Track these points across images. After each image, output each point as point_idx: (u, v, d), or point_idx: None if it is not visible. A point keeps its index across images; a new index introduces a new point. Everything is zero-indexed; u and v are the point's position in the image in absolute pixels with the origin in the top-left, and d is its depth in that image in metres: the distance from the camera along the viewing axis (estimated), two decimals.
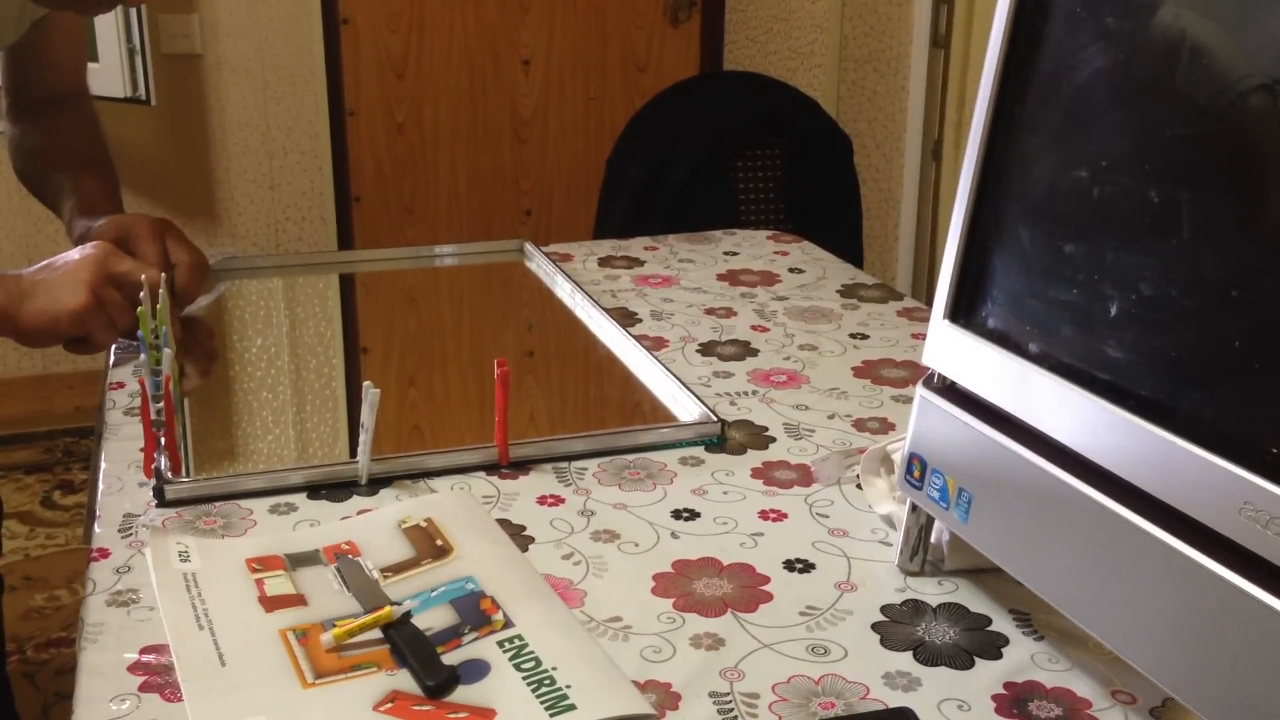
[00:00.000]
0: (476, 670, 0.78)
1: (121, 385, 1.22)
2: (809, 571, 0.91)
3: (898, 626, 0.84)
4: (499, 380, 1.03)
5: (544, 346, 1.46)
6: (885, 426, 1.14)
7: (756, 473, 1.05)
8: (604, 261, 1.62)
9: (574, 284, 1.47)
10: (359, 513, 0.98)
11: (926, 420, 0.86)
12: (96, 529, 0.96)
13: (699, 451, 1.09)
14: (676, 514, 0.98)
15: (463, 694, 0.76)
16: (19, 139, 1.47)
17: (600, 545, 0.94)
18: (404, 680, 0.77)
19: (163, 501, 0.98)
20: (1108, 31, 0.72)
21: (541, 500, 1.00)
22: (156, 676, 0.78)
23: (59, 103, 1.47)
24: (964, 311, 0.82)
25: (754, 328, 1.38)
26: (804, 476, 1.05)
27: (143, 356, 1.15)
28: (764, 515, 0.98)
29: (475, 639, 0.81)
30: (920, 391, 0.86)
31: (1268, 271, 0.62)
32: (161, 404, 1.03)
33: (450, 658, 0.79)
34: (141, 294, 1.15)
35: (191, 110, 3.25)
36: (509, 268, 1.64)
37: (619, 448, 1.08)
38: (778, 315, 1.42)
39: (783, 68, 3.55)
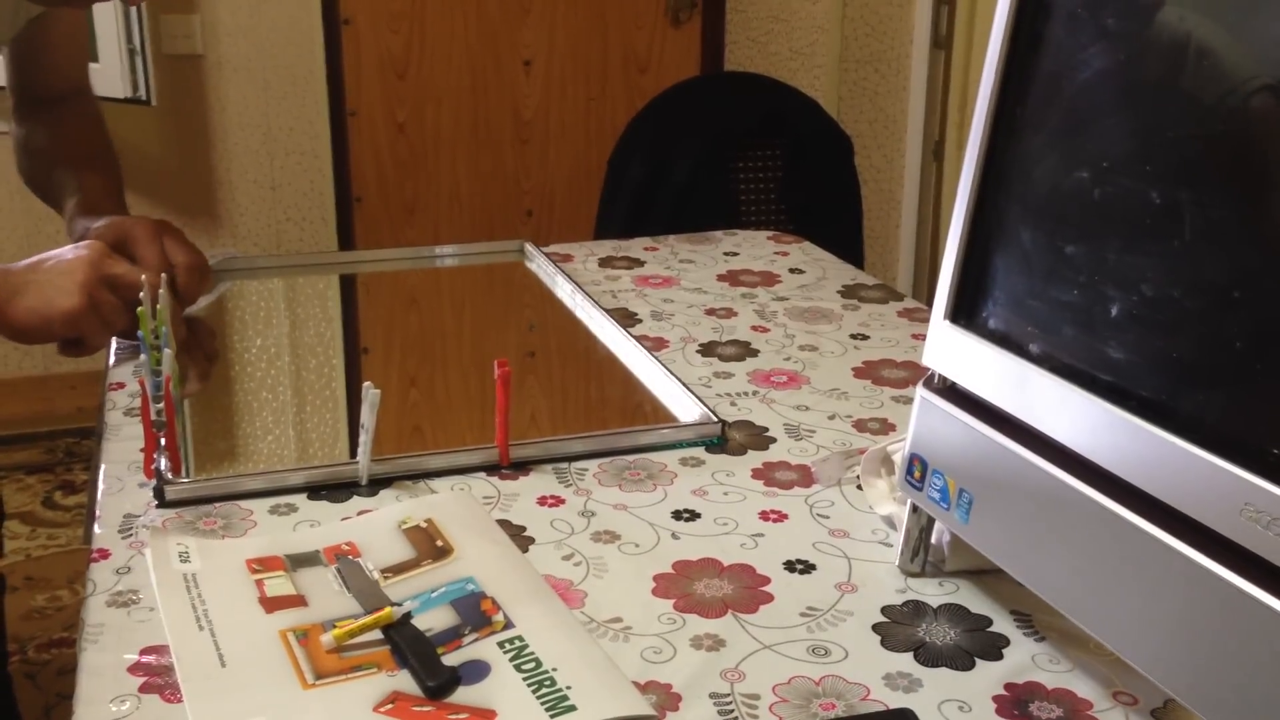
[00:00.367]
0: (477, 671, 0.78)
1: (122, 386, 1.22)
2: (809, 572, 0.91)
3: (898, 627, 0.84)
4: (499, 381, 1.03)
5: (545, 347, 1.46)
6: (886, 427, 1.14)
7: (757, 473, 1.05)
8: (604, 262, 1.62)
9: (574, 284, 1.47)
10: (359, 513, 0.98)
11: (927, 421, 0.86)
12: (97, 529, 0.96)
13: (699, 452, 1.09)
14: (677, 515, 0.98)
15: (463, 695, 0.76)
16: (23, 138, 1.46)
17: (601, 546, 0.94)
18: (404, 681, 0.77)
19: (163, 502, 0.98)
20: (1108, 32, 0.72)
21: (542, 501, 1.00)
22: (157, 677, 0.78)
23: (62, 101, 1.47)
24: (965, 312, 0.82)
25: (754, 328, 1.38)
26: (804, 477, 1.05)
27: (143, 357, 1.15)
28: (764, 516, 0.98)
29: (476, 640, 0.81)
30: (921, 392, 0.86)
31: (1269, 272, 0.62)
32: (162, 404, 1.03)
33: (451, 658, 0.79)
34: (141, 294, 1.15)
35: (192, 111, 3.25)
36: (510, 268, 1.64)
37: (619, 448, 1.08)
38: (778, 316, 1.42)
39: (783, 68, 3.55)
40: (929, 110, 3.52)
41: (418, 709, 0.75)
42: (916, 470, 0.87)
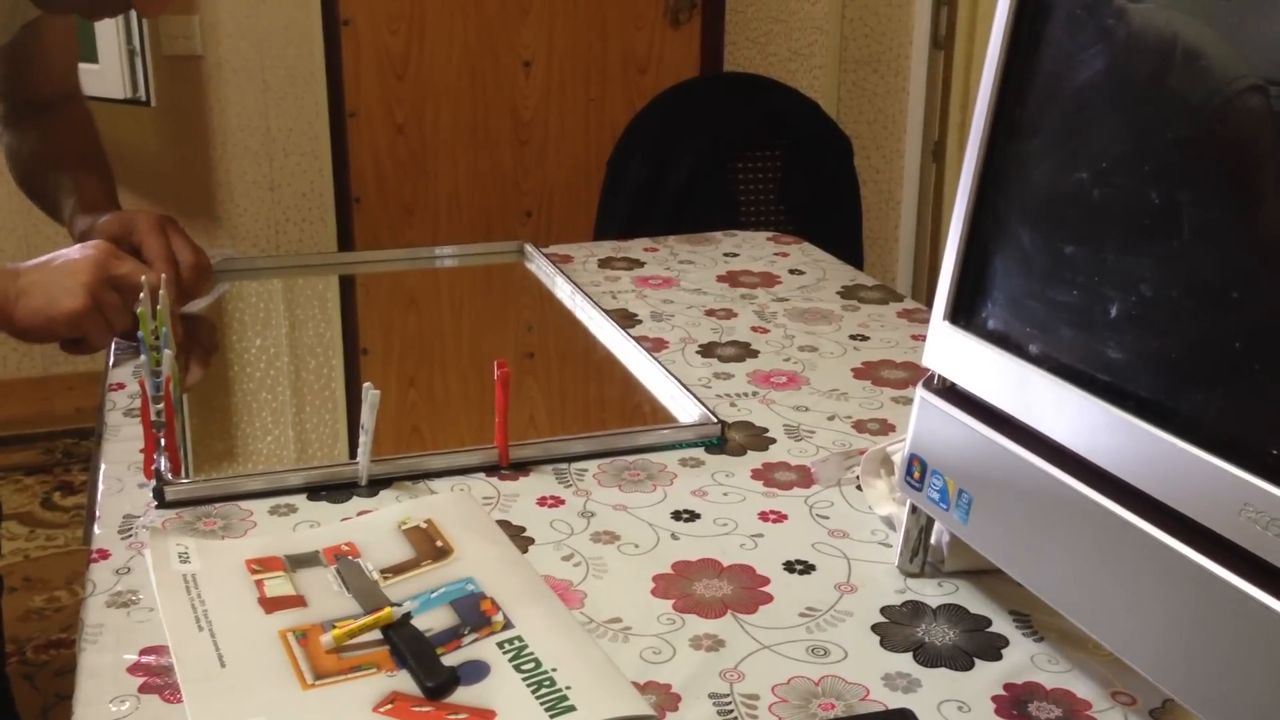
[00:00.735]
0: (476, 671, 0.78)
1: (121, 386, 1.22)
2: (809, 573, 0.91)
3: (898, 628, 0.84)
4: (499, 381, 1.03)
5: (544, 348, 1.46)
6: (885, 428, 1.14)
7: (756, 474, 1.05)
8: (604, 263, 1.62)
9: (574, 285, 1.47)
10: (359, 514, 0.98)
11: (926, 422, 0.86)
12: (96, 530, 0.96)
13: (699, 453, 1.09)
14: (676, 515, 0.98)
15: (462, 695, 0.76)
16: (15, 145, 1.47)
17: (600, 546, 0.94)
18: (404, 681, 0.77)
19: (162, 503, 0.98)
20: (1108, 33, 0.72)
21: (541, 501, 1.00)
22: (156, 678, 0.78)
23: (53, 106, 1.47)
24: (964, 313, 0.82)
25: (754, 329, 1.38)
26: (804, 478, 1.05)
27: (143, 358, 1.15)
28: (764, 516, 0.98)
29: (475, 640, 0.81)
30: (920, 393, 0.86)
31: (1268, 273, 0.62)
32: (161, 405, 1.03)
33: (450, 659, 0.79)
34: (141, 295, 1.15)
35: (192, 111, 3.25)
36: (509, 269, 1.64)
37: (619, 449, 1.08)
38: (778, 316, 1.42)
39: (783, 69, 3.55)
40: (928, 111, 3.52)
41: (417, 709, 0.75)
42: (916, 471, 0.87)
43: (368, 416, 0.99)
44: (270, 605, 0.85)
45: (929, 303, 0.88)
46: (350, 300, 1.61)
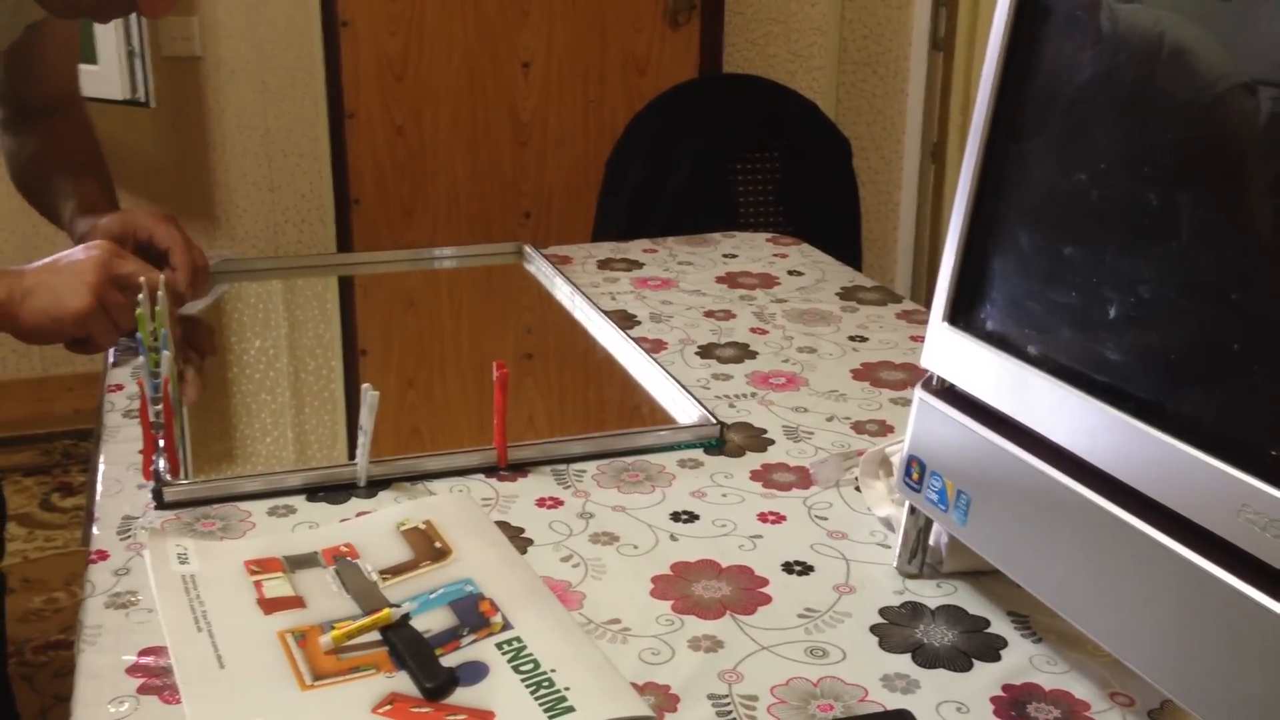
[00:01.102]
0: (475, 672, 0.78)
1: (120, 388, 1.22)
2: (808, 574, 0.91)
3: (896, 629, 0.84)
4: (498, 383, 1.04)
5: (543, 349, 1.46)
6: (884, 429, 1.14)
7: (755, 475, 1.05)
8: (603, 264, 1.62)
9: (573, 286, 1.47)
10: (358, 515, 0.98)
11: (925, 423, 0.86)
12: (95, 531, 0.96)
13: (698, 454, 1.09)
14: (675, 516, 0.98)
15: (461, 696, 0.76)
16: (15, 148, 1.47)
17: (599, 547, 0.94)
18: (402, 682, 0.77)
19: (161, 504, 0.98)
20: (1107, 35, 0.72)
21: (540, 502, 1.00)
22: (155, 679, 0.78)
23: (54, 111, 1.47)
24: (963, 314, 0.82)
25: (753, 330, 1.38)
26: (803, 479, 1.05)
27: (141, 359, 1.15)
28: (763, 517, 0.98)
29: (474, 641, 0.81)
30: (919, 394, 0.86)
31: (1266, 274, 0.62)
32: (160, 406, 1.03)
33: (449, 660, 0.79)
34: (140, 296, 1.15)
35: (191, 112, 3.25)
36: (508, 270, 1.64)
37: (618, 450, 1.08)
38: (777, 317, 1.43)
39: (782, 70, 3.55)
40: (927, 112, 3.52)
41: (416, 710, 0.75)
42: (915, 472, 0.87)
43: (366, 418, 0.99)
44: (269, 606, 0.85)
45: (928, 304, 0.88)
46: (349, 301, 1.61)
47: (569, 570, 0.91)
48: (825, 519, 0.98)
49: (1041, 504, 0.75)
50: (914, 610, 0.87)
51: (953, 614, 0.86)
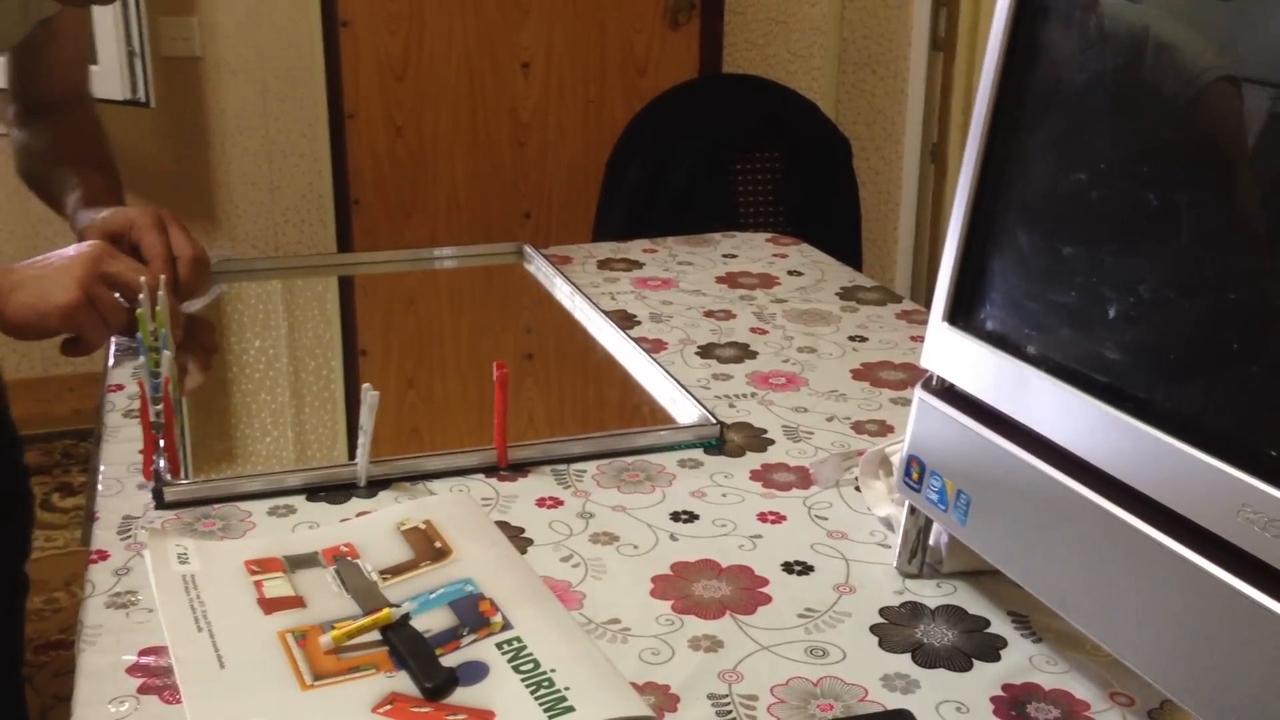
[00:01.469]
0: (475, 672, 0.78)
1: (120, 387, 1.22)
2: (807, 574, 0.91)
3: (896, 628, 0.84)
4: (498, 383, 1.04)
5: (543, 349, 1.46)
6: (884, 429, 1.14)
7: (755, 475, 1.05)
8: (603, 264, 1.62)
9: (573, 286, 1.47)
10: (358, 515, 0.98)
11: (925, 423, 0.86)
12: (95, 531, 0.96)
13: (698, 454, 1.09)
14: (675, 516, 0.98)
15: (461, 696, 0.76)
16: (25, 142, 1.47)
17: (599, 547, 0.94)
18: (403, 682, 0.77)
19: (161, 503, 0.98)
20: (1106, 35, 0.72)
21: (540, 502, 1.00)
22: (155, 679, 0.78)
23: (63, 107, 1.48)
24: (963, 314, 0.82)
25: (753, 330, 1.38)
26: (803, 479, 1.05)
27: (142, 359, 1.15)
28: (763, 517, 0.98)
29: (474, 641, 0.81)
30: (919, 394, 0.87)
31: (1266, 273, 0.62)
32: (160, 406, 1.03)
33: (449, 660, 0.79)
34: (141, 296, 1.15)
35: (191, 113, 3.25)
36: (508, 270, 1.64)
37: (618, 450, 1.08)
38: (777, 318, 1.43)
39: (782, 70, 3.55)
40: (927, 112, 3.53)
41: (416, 710, 0.75)
42: (914, 472, 0.87)
43: (366, 418, 0.99)
44: (269, 606, 0.85)
45: (927, 304, 0.88)
46: (349, 301, 1.61)
47: (569, 570, 0.91)
48: (825, 519, 0.98)
49: (1041, 504, 0.75)
50: (914, 610, 0.87)
51: (953, 614, 0.86)
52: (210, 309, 1.44)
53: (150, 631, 0.82)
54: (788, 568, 0.91)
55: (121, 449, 1.09)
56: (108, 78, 2.93)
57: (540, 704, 0.74)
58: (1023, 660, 0.81)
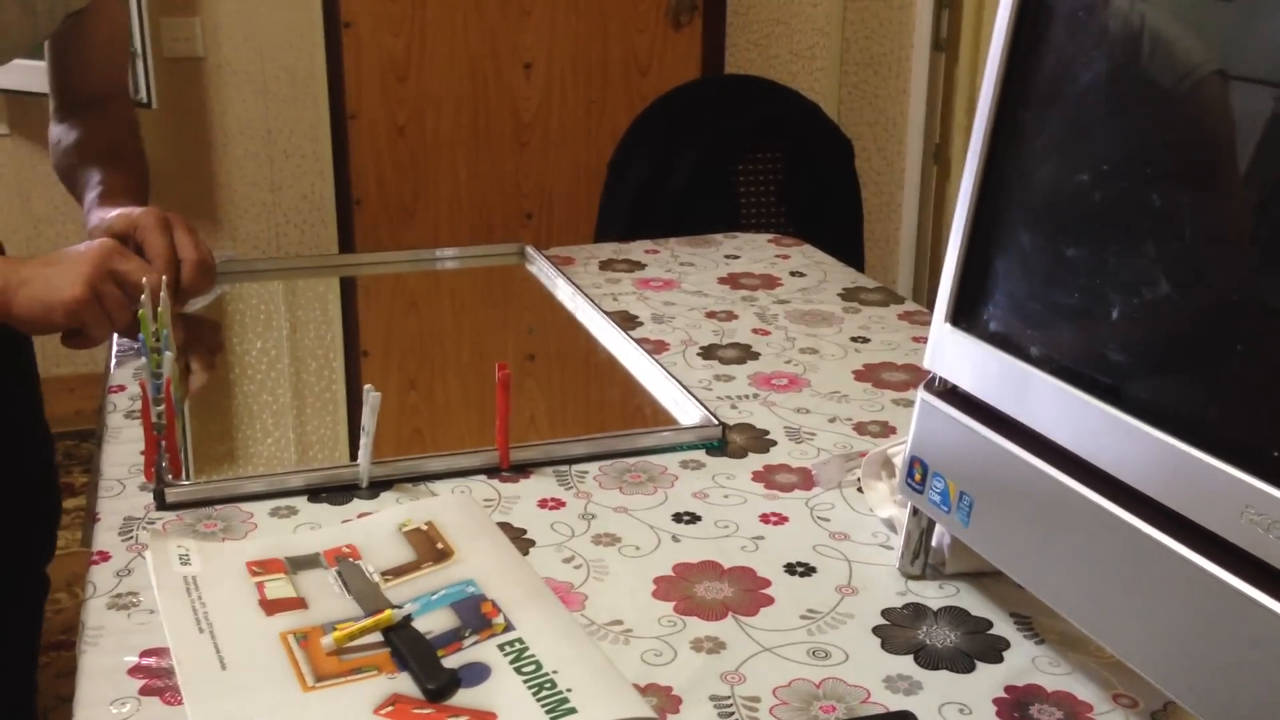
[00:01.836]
0: (477, 673, 0.78)
1: (122, 388, 1.22)
2: (810, 575, 0.91)
3: (899, 630, 0.84)
4: (500, 383, 1.03)
5: (545, 350, 1.46)
6: (886, 430, 1.14)
7: (757, 476, 1.05)
8: (605, 265, 1.62)
9: (575, 287, 1.47)
10: (359, 516, 0.98)
11: (928, 424, 0.86)
12: (97, 532, 0.96)
13: (700, 455, 1.09)
14: (677, 517, 0.98)
15: (463, 697, 0.76)
16: (59, 135, 1.48)
17: (601, 549, 0.94)
18: (404, 683, 0.77)
19: (163, 504, 0.98)
20: (1109, 36, 0.72)
21: (542, 503, 1.00)
22: (157, 680, 0.78)
23: (99, 103, 1.48)
24: (965, 315, 0.82)
25: (755, 331, 1.38)
26: (805, 480, 1.05)
27: (143, 359, 1.15)
28: (765, 519, 0.98)
29: (476, 642, 0.81)
30: (921, 395, 0.86)
31: (1269, 275, 0.62)
32: (162, 407, 1.03)
33: (451, 661, 0.79)
34: (143, 296, 1.15)
35: (193, 113, 3.25)
36: (509, 271, 1.64)
37: (620, 451, 1.08)
38: (779, 318, 1.42)
39: (784, 71, 3.55)
40: (929, 113, 3.52)
41: (418, 711, 0.75)
42: (917, 473, 0.87)
43: (368, 418, 0.99)
44: (271, 607, 0.84)
45: (930, 305, 0.88)
46: (351, 302, 1.61)
47: (571, 571, 0.91)
48: (827, 520, 0.98)
49: (1044, 505, 0.74)
50: (916, 611, 0.86)
51: (955, 615, 0.86)
52: (212, 309, 1.44)
53: (151, 633, 0.82)
54: (790, 569, 0.91)
55: (123, 450, 1.09)
56: None
57: (542, 705, 0.74)
58: (1025, 662, 0.81)
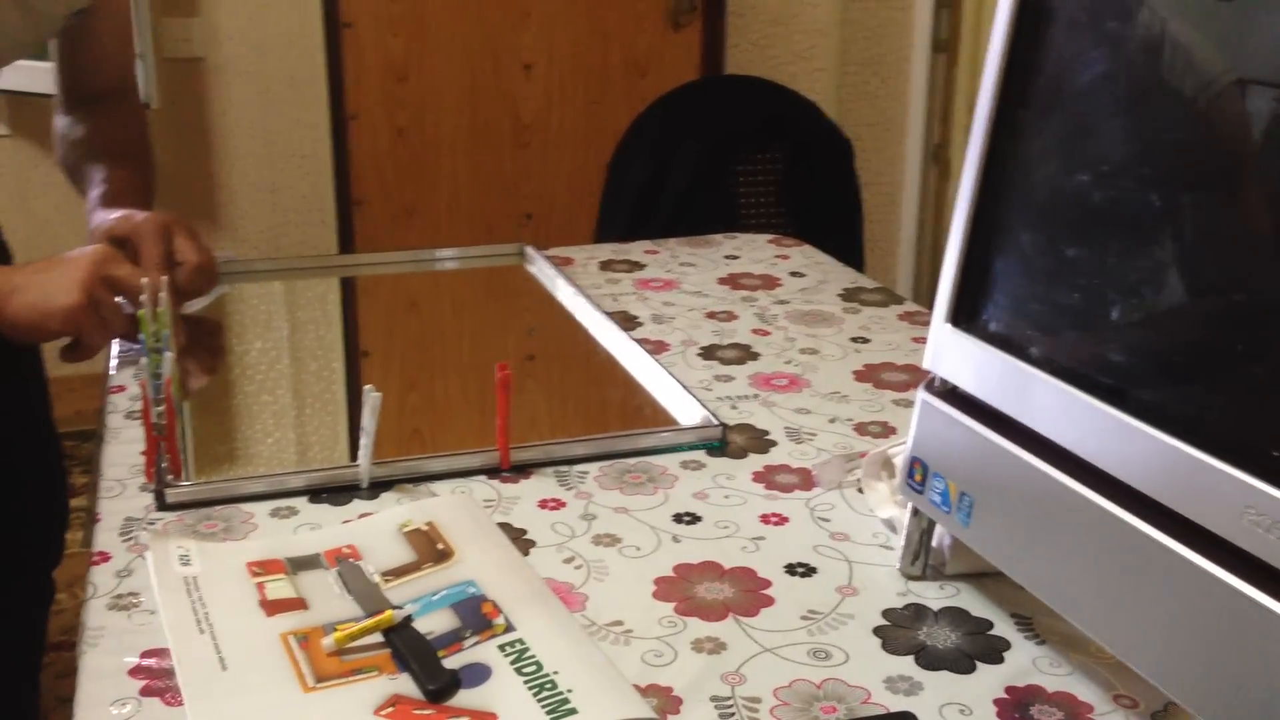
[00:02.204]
0: (477, 674, 0.78)
1: (122, 389, 1.22)
2: (810, 575, 0.91)
3: (899, 630, 0.84)
4: (500, 384, 1.03)
5: (545, 350, 1.46)
6: (886, 430, 1.14)
7: (758, 476, 1.05)
8: (605, 265, 1.62)
9: (575, 287, 1.47)
10: (360, 516, 0.98)
11: (928, 424, 0.86)
12: (97, 533, 0.96)
13: (700, 455, 1.09)
14: (678, 518, 0.98)
15: (464, 698, 0.76)
16: (65, 130, 1.48)
17: (601, 549, 0.94)
18: (405, 684, 0.77)
19: (163, 505, 0.98)
20: (1109, 36, 0.72)
21: (543, 504, 1.00)
22: (157, 680, 0.78)
23: (107, 99, 1.48)
24: (965, 315, 0.82)
25: (755, 331, 1.38)
26: (805, 480, 1.05)
27: (144, 360, 1.15)
28: (765, 519, 0.98)
29: (476, 643, 0.81)
30: (922, 395, 0.86)
31: (1270, 275, 0.62)
32: (163, 407, 1.03)
33: (451, 662, 0.79)
34: (142, 297, 1.14)
35: (193, 114, 3.25)
36: (510, 271, 1.64)
37: (620, 451, 1.08)
38: (779, 319, 1.42)
39: (784, 72, 3.55)
40: (929, 113, 3.53)
41: (418, 712, 0.75)
42: (917, 473, 0.87)
43: (369, 419, 0.99)
44: (271, 608, 0.84)
45: (930, 305, 0.88)
46: (351, 303, 1.61)
47: (571, 572, 0.91)
48: (828, 521, 0.98)
49: (1045, 506, 0.74)
50: (917, 612, 0.86)
51: (956, 616, 0.86)
52: (212, 310, 1.44)
53: (152, 633, 0.82)
54: (790, 569, 0.91)
55: (123, 450, 1.09)
56: None
57: (543, 706, 0.74)
58: (1026, 662, 0.81)
